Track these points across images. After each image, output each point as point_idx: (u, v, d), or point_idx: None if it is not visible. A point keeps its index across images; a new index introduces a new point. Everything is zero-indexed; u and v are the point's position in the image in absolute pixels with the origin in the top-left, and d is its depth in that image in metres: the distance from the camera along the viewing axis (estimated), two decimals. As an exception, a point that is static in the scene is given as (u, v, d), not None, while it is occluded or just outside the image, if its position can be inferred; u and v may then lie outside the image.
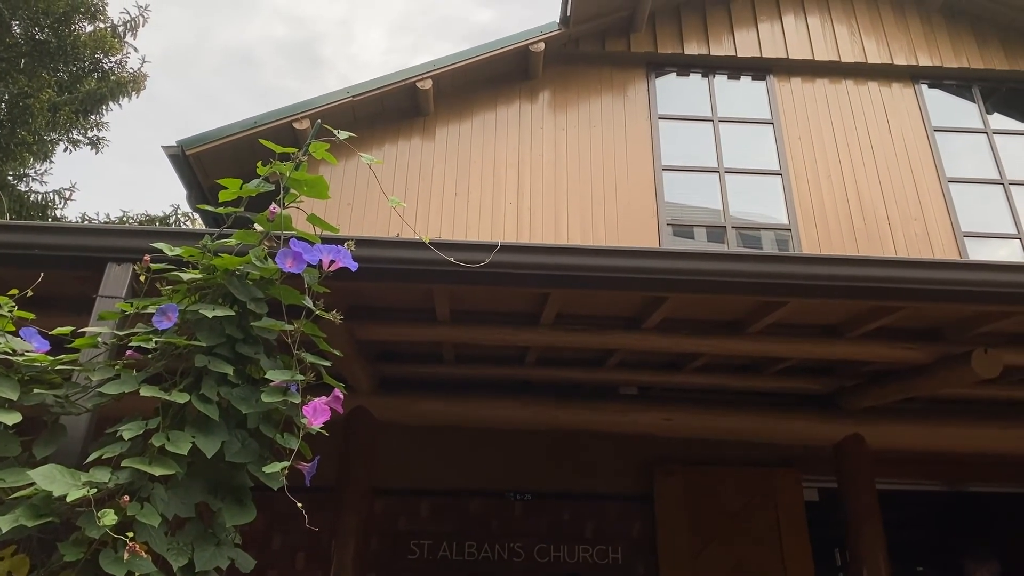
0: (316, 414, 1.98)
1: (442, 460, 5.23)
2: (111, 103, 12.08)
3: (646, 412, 4.69)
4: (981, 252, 6.41)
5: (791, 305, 3.17)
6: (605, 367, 4.27)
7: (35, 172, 12.30)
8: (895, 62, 7.11)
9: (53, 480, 1.71)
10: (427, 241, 2.57)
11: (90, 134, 12.36)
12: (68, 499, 1.66)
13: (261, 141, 2.43)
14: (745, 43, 7.14)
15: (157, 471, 1.78)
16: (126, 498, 1.73)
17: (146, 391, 1.89)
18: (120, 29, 12.20)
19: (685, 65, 7.19)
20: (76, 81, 11.71)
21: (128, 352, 2.08)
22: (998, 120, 7.15)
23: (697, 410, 4.68)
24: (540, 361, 4.25)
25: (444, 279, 2.68)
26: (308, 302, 2.12)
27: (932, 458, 5.23)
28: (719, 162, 6.73)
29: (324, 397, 2.02)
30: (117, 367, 2.03)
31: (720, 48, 7.10)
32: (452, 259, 2.57)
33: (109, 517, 1.65)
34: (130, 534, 1.69)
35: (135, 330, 2.06)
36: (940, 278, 2.92)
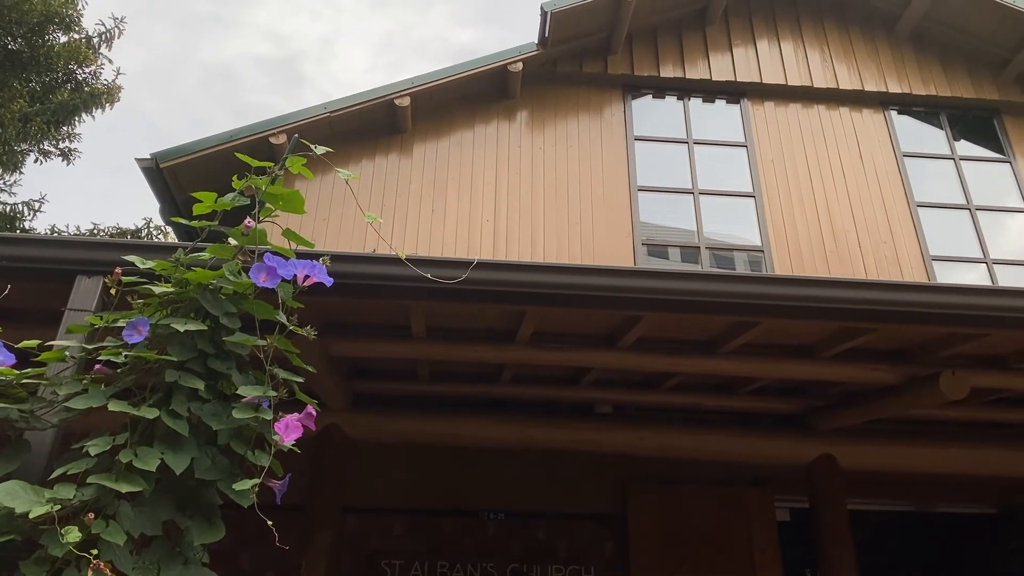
0: (288, 431, 1.95)
1: (415, 478, 5.19)
2: (84, 114, 11.95)
3: (620, 431, 4.69)
4: (949, 276, 6.53)
5: (764, 325, 3.20)
6: (580, 385, 4.27)
7: (4, 183, 12.11)
8: (866, 88, 7.26)
9: (16, 496, 1.67)
10: (403, 257, 2.56)
11: (62, 145, 12.19)
12: (31, 516, 1.62)
13: (237, 155, 2.42)
14: (720, 67, 7.25)
15: (124, 488, 1.74)
16: (91, 515, 1.70)
17: (114, 406, 1.85)
18: (95, 40, 12.09)
19: (661, 88, 7.28)
20: (48, 92, 11.58)
21: (96, 366, 2.04)
22: (965, 147, 7.32)
23: (671, 429, 4.70)
24: (515, 379, 4.25)
25: (420, 295, 2.67)
26: (282, 317, 2.11)
27: (902, 479, 5.29)
28: (693, 183, 6.80)
29: (296, 414, 2.00)
30: (85, 381, 2.00)
31: (695, 72, 7.20)
32: (429, 275, 2.57)
33: (73, 534, 1.62)
34: (94, 552, 1.65)
35: (104, 344, 2.03)
36: (909, 300, 2.97)
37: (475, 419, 4.59)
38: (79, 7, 11.74)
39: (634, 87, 7.21)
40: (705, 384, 4.37)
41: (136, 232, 13.71)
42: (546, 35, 6.72)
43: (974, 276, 6.61)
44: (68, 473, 1.79)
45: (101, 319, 2.10)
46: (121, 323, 2.03)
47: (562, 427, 4.65)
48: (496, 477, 5.24)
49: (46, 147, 12.07)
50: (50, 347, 2.08)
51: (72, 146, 12.29)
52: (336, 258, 2.46)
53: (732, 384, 4.34)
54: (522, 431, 4.60)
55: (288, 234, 2.32)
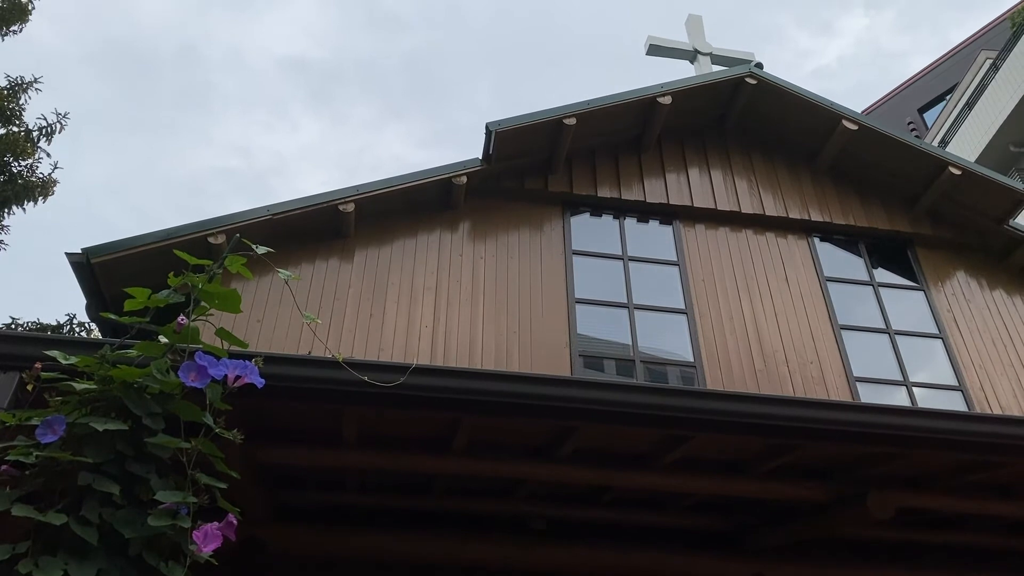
0: (207, 540, 1.85)
1: (338, 597, 4.91)
2: (15, 206, 11.70)
3: (554, 549, 4.57)
4: (872, 396, 6.73)
5: (696, 440, 3.23)
6: (514, 498, 4.19)
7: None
8: (790, 216, 7.68)
9: None
10: (341, 360, 2.53)
11: (-12, 237, 11.83)
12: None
13: (176, 252, 2.39)
14: (654, 190, 7.59)
15: (19, 602, 1.61)
16: (-22, 633, 1.55)
17: (19, 511, 1.73)
18: (35, 134, 12.01)
19: (598, 206, 7.56)
20: (-22, 182, 11.33)
21: (3, 467, 1.92)
22: (882, 274, 7.74)
23: (605, 547, 4.60)
24: (448, 491, 4.14)
25: (356, 400, 2.62)
26: (208, 419, 2.03)
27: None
28: (629, 298, 6.97)
29: (216, 523, 1.90)
30: (-12, 483, 1.87)
31: (631, 193, 7.52)
32: (366, 379, 2.54)
33: (-44, 655, 1.47)
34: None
35: (14, 443, 1.92)
36: (834, 418, 3.06)
37: (404, 534, 4.41)
38: (21, 101, 11.72)
39: (573, 204, 7.47)
40: (639, 499, 4.33)
41: (58, 328, 13.17)
42: (490, 152, 6.96)
43: (897, 398, 6.84)
44: (-43, 585, 1.65)
45: (13, 416, 1.99)
46: (35, 421, 1.92)
47: (494, 543, 4.51)
48: (424, 596, 5.00)
49: (-30, 237, 11.69)
50: (-47, 445, 1.95)
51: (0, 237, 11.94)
52: (270, 359, 2.42)
53: (666, 500, 4.31)
54: (453, 547, 4.43)
55: (222, 333, 2.28)
